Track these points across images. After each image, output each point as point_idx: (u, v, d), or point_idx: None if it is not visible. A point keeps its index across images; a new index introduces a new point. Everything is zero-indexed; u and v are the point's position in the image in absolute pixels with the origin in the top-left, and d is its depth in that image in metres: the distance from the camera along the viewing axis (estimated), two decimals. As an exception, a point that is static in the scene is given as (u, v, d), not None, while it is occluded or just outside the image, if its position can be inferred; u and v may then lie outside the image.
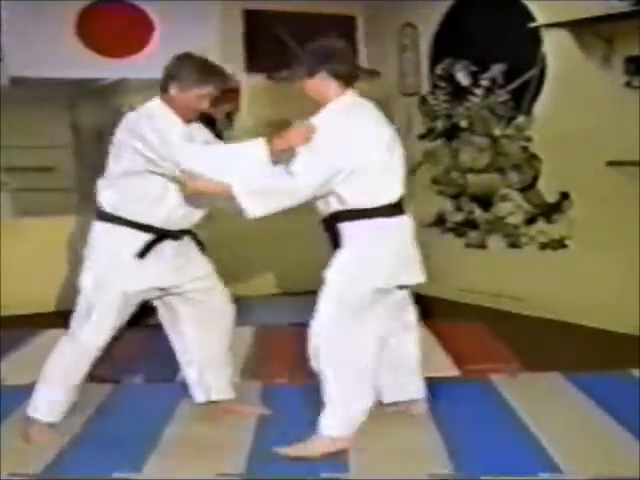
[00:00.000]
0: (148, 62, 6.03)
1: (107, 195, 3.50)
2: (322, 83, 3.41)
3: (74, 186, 6.32)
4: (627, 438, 3.42)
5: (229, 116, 6.64)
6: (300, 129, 3.34)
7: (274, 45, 6.61)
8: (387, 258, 3.39)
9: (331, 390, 3.36)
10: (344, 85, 3.45)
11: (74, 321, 3.52)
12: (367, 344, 3.41)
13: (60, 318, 5.77)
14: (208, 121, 3.84)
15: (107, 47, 6.05)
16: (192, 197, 3.44)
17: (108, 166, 3.50)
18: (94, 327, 3.48)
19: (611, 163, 5.17)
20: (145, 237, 3.46)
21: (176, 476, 3.19)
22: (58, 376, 3.53)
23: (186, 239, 3.61)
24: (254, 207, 3.22)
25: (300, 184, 3.24)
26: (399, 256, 3.43)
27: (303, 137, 3.30)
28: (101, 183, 3.53)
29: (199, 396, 3.81)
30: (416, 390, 3.74)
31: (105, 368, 3.96)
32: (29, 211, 6.09)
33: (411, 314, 3.72)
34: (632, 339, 4.94)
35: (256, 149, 3.31)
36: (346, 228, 3.37)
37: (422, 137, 6.59)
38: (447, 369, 4.47)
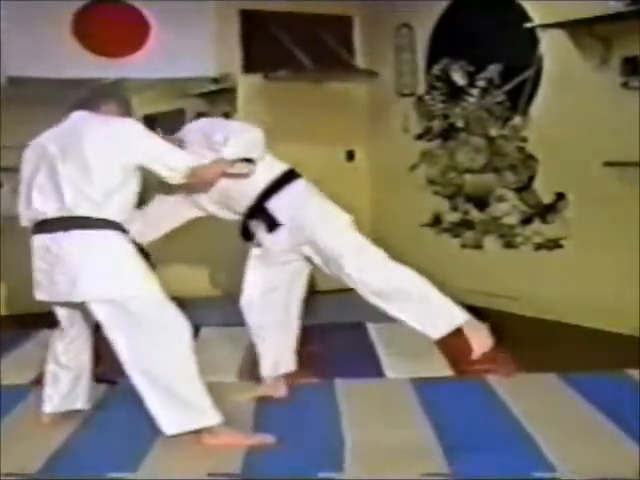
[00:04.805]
0: (145, 62, 6.03)
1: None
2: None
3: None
4: (624, 439, 3.42)
5: (226, 116, 6.64)
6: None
7: (271, 45, 6.61)
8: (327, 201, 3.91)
9: None
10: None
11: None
12: None
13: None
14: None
15: (104, 47, 6.05)
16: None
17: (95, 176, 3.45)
18: None
19: (608, 164, 5.18)
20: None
21: (172, 476, 3.19)
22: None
23: None
24: (252, 151, 3.66)
25: (252, 128, 3.79)
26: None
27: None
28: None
29: None
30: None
31: (101, 368, 3.97)
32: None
33: None
34: (629, 339, 4.95)
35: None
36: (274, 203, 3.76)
37: (419, 137, 6.59)
38: (443, 369, 4.48)
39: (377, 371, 4.55)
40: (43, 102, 6.10)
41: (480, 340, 3.63)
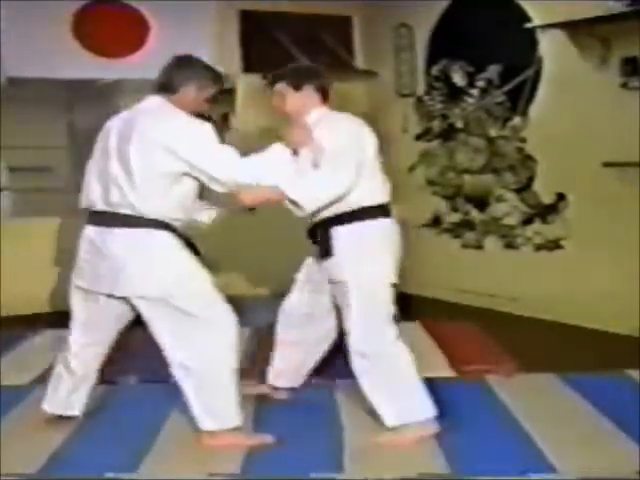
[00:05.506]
0: (144, 62, 6.03)
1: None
2: (307, 96, 3.64)
3: (72, 187, 6.32)
4: (624, 439, 3.43)
5: (226, 117, 6.62)
6: (300, 129, 3.52)
7: (270, 45, 6.62)
8: (389, 256, 3.61)
9: None
10: (323, 100, 3.69)
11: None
12: None
13: (59, 318, 5.78)
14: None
15: (104, 47, 6.05)
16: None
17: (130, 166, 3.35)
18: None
19: (607, 164, 5.18)
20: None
21: (171, 476, 3.20)
22: None
23: None
24: (308, 203, 3.39)
25: (340, 177, 3.44)
26: (395, 255, 3.65)
27: (307, 135, 3.49)
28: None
29: None
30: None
31: (101, 369, 3.97)
32: (28, 211, 6.09)
33: None
34: (629, 340, 4.95)
35: (281, 152, 3.47)
36: (340, 232, 3.54)
37: (418, 138, 6.59)
38: (442, 370, 4.48)
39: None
40: (43, 102, 6.12)
41: (407, 441, 3.47)
